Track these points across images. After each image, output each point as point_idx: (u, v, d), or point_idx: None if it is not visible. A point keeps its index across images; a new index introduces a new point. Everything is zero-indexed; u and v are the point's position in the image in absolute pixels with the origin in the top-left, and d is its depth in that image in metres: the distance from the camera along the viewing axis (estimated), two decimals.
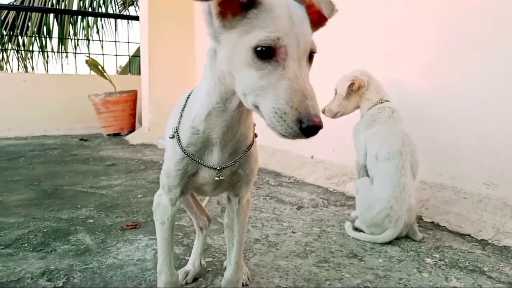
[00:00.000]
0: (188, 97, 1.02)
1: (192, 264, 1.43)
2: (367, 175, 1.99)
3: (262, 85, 0.73)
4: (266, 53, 0.73)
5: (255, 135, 1.05)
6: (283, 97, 0.71)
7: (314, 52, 0.80)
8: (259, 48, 0.73)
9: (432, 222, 2.10)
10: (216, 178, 0.99)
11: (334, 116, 2.17)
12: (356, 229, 1.96)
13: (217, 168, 0.98)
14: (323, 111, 2.17)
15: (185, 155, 0.98)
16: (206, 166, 0.98)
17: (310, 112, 0.70)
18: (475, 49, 2.09)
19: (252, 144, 1.03)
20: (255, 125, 1.06)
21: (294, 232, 1.95)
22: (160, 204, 1.09)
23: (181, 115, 1.00)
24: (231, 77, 0.80)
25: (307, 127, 0.69)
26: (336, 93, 2.13)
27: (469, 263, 1.61)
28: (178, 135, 0.99)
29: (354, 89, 2.05)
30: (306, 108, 0.70)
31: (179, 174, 1.00)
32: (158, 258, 1.13)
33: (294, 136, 0.72)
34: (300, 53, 0.75)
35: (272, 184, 2.99)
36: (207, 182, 1.03)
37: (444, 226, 2.03)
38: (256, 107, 0.76)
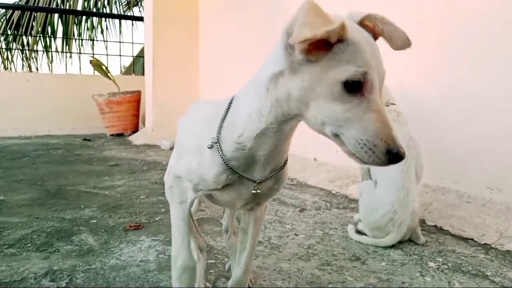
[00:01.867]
0: (228, 107, 0.97)
1: None
2: (371, 178, 1.99)
3: (348, 117, 0.76)
4: (354, 87, 0.75)
5: None
6: (371, 129, 0.75)
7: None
8: (350, 83, 0.75)
9: (435, 226, 2.09)
10: (253, 191, 0.97)
11: None
12: (358, 232, 1.96)
13: (257, 181, 0.96)
14: None
15: (226, 168, 0.94)
16: (246, 178, 0.96)
17: (397, 144, 0.75)
18: (480, 52, 2.09)
19: (287, 158, 1.03)
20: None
21: (296, 235, 1.95)
22: (180, 186, 1.04)
23: (221, 126, 0.95)
24: (302, 104, 0.80)
25: (395, 157, 0.74)
26: None
27: (472, 267, 1.60)
28: (219, 146, 0.94)
29: None
30: (394, 140, 0.75)
31: (215, 184, 0.97)
32: (173, 241, 1.07)
33: (380, 165, 0.76)
34: (380, 85, 0.79)
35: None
36: (241, 197, 1.01)
37: (447, 230, 2.03)
38: (336, 136, 0.79)
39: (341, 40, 0.75)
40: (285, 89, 0.82)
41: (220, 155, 0.94)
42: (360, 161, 0.78)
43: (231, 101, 0.97)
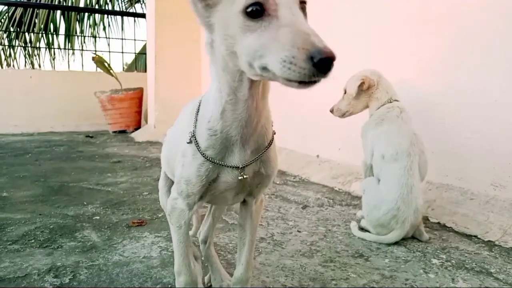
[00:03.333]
0: (200, 102, 0.99)
1: None
2: (373, 175, 1.98)
3: (262, 43, 0.71)
4: (256, 12, 0.72)
5: (274, 133, 1.03)
6: (286, 43, 0.68)
7: (305, 3, 0.79)
8: (249, 10, 0.72)
9: (439, 223, 2.09)
10: (240, 178, 0.96)
11: (343, 115, 2.16)
12: (361, 229, 1.95)
13: (240, 167, 0.95)
14: (332, 111, 2.17)
15: (205, 159, 0.94)
16: (228, 167, 0.95)
17: (318, 46, 0.66)
18: (484, 48, 2.08)
19: (273, 139, 1.01)
20: (272, 123, 1.03)
21: (299, 231, 1.95)
22: (176, 209, 1.05)
23: (196, 119, 0.97)
24: (233, 56, 0.79)
25: (320, 61, 0.65)
26: (345, 93, 2.11)
27: (475, 264, 1.60)
28: (196, 139, 0.96)
29: (364, 89, 2.03)
30: (313, 43, 0.66)
31: (199, 180, 0.96)
32: (175, 260, 1.11)
33: (310, 77, 0.67)
34: (290, 2, 0.74)
35: (278, 183, 2.99)
36: (229, 186, 0.99)
37: (450, 227, 2.02)
38: (265, 69, 0.73)
39: None
40: (218, 51, 0.82)
41: (197, 147, 0.94)
42: (292, 82, 0.69)
43: (203, 96, 0.99)
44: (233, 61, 0.80)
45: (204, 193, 1.00)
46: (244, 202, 1.13)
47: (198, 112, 0.98)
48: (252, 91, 0.87)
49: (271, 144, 0.99)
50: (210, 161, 0.95)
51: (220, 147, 0.94)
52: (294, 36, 0.68)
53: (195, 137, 0.96)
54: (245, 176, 0.96)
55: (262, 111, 0.93)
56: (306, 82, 0.68)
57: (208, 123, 0.93)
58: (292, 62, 0.66)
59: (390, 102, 2.01)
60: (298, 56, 0.66)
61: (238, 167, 0.95)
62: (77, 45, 9.71)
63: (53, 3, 9.92)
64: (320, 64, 0.65)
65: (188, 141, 0.97)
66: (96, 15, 9.96)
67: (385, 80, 2.07)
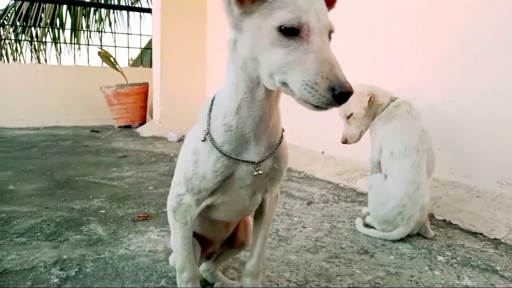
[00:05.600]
0: (212, 100, 1.01)
1: None
2: (381, 171, 1.98)
3: (289, 61, 0.77)
4: (290, 31, 0.77)
5: (283, 130, 1.05)
6: (312, 69, 0.74)
7: (332, 32, 0.83)
8: (284, 28, 0.77)
9: (444, 220, 2.08)
10: (255, 173, 0.97)
11: (359, 138, 2.09)
12: (366, 225, 1.95)
13: (256, 162, 0.96)
14: (345, 141, 2.09)
15: (221, 154, 0.95)
16: (244, 162, 0.96)
17: (340, 79, 0.73)
18: (491, 46, 2.06)
19: (282, 136, 1.03)
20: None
21: (304, 227, 1.95)
22: (182, 205, 1.05)
23: (209, 117, 0.99)
24: (255, 62, 0.83)
25: (340, 94, 0.72)
26: (349, 117, 2.04)
27: (481, 262, 1.59)
28: (211, 136, 0.97)
29: (370, 102, 2.00)
30: (336, 76, 0.73)
31: (214, 176, 0.97)
32: (178, 256, 1.10)
33: (327, 104, 0.74)
34: (322, 29, 0.79)
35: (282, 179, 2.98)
36: (244, 183, 1.00)
37: (456, 225, 2.01)
38: (285, 84, 0.79)
39: None
40: (240, 52, 0.85)
41: (213, 143, 0.96)
42: (308, 104, 0.77)
43: (215, 95, 1.02)
44: (254, 66, 0.84)
45: (216, 190, 1.01)
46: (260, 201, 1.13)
47: (211, 110, 0.99)
48: (268, 93, 0.91)
49: (281, 140, 1.02)
50: (227, 156, 0.96)
51: (235, 143, 0.96)
52: (320, 64, 0.74)
53: (210, 134, 0.97)
54: (260, 172, 0.98)
55: (274, 111, 0.97)
56: (320, 107, 0.76)
57: (223, 119, 0.95)
58: (314, 88, 0.73)
59: (393, 100, 2.00)
60: (321, 84, 0.73)
61: (254, 162, 0.97)
62: (83, 40, 9.74)
63: None
64: (339, 96, 0.73)
65: (202, 138, 0.97)
66: (102, 9, 9.96)
67: (375, 85, 2.05)
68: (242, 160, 0.96)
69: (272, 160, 1.01)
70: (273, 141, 1.00)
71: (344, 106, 1.98)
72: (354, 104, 1.97)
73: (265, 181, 1.04)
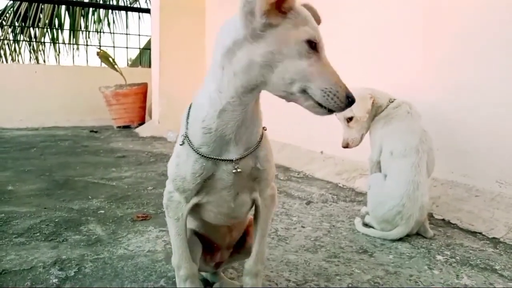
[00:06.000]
0: (189, 108, 1.04)
1: None
2: (380, 171, 1.98)
3: (312, 71, 0.88)
4: (313, 45, 0.89)
5: (264, 128, 1.07)
6: (332, 79, 0.89)
7: None
8: (310, 41, 0.88)
9: (443, 220, 2.08)
10: (233, 171, 0.98)
11: (360, 141, 2.06)
12: (366, 225, 1.95)
13: (234, 159, 0.98)
14: (347, 146, 2.05)
15: (199, 156, 0.98)
16: (223, 160, 0.98)
17: (349, 89, 0.90)
18: (490, 45, 2.06)
19: (263, 135, 1.05)
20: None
21: (303, 227, 1.95)
22: (173, 201, 1.07)
23: (187, 122, 1.02)
24: (267, 69, 0.88)
25: (352, 100, 0.90)
26: (349, 121, 2.01)
27: (480, 261, 1.59)
28: (188, 139, 0.99)
29: (372, 104, 1.99)
30: (346, 87, 0.90)
31: (194, 177, 0.99)
32: (174, 253, 1.11)
33: (342, 109, 0.91)
34: (324, 47, 0.92)
35: (281, 178, 2.99)
36: (225, 184, 1.01)
37: (455, 224, 2.02)
38: (304, 91, 0.89)
39: (291, 8, 0.87)
40: (245, 58, 0.89)
41: (190, 146, 0.99)
42: (323, 109, 0.90)
43: (191, 103, 1.05)
44: (261, 72, 0.89)
45: (200, 190, 1.03)
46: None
47: (188, 116, 1.03)
48: (256, 97, 0.97)
49: (261, 139, 1.04)
50: (205, 157, 0.98)
51: (214, 145, 0.98)
52: (336, 76, 0.90)
53: (188, 137, 1.00)
54: (238, 170, 0.99)
55: (254, 113, 1.00)
56: (332, 110, 0.90)
57: (202, 122, 0.97)
58: (336, 95, 0.88)
59: (392, 101, 2.00)
60: (341, 92, 0.89)
61: (232, 160, 0.99)
62: (81, 40, 9.73)
63: None
64: (351, 103, 0.90)
65: (180, 142, 1.01)
66: (101, 10, 9.96)
67: (371, 87, 2.04)
68: (220, 159, 0.99)
69: (254, 160, 1.03)
70: (253, 141, 1.02)
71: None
72: (358, 108, 1.95)
73: (248, 181, 1.05)
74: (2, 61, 9.82)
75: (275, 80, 0.89)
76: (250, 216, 1.26)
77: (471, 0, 2.14)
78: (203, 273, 1.37)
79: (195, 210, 1.09)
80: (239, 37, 0.88)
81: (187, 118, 1.03)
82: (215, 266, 1.30)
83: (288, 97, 0.92)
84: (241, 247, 1.32)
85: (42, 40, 9.85)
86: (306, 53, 0.87)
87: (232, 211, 1.09)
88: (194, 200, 1.05)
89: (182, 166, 1.01)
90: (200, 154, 0.98)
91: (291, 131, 3.65)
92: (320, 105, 0.89)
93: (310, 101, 0.90)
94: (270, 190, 1.15)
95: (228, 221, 1.15)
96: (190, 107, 1.04)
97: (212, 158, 0.98)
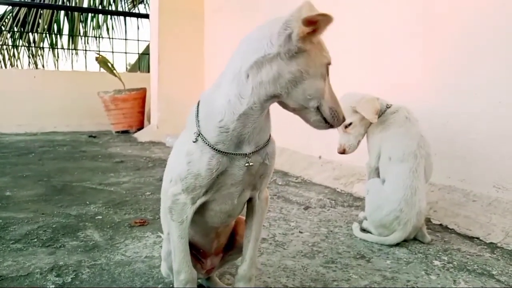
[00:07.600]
0: (198, 105, 1.07)
1: None
2: (378, 176, 1.98)
3: (325, 91, 1.01)
4: (328, 68, 1.01)
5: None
6: (335, 100, 1.04)
7: None
8: (329, 64, 1.01)
9: (441, 225, 2.08)
10: (246, 165, 1.04)
11: (356, 147, 2.06)
12: (363, 230, 1.95)
13: (248, 153, 1.04)
14: (343, 152, 2.05)
15: (215, 152, 1.01)
16: (237, 154, 1.03)
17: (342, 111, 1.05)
18: (487, 50, 2.07)
19: (270, 136, 1.12)
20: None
21: (301, 232, 1.95)
22: (178, 204, 1.07)
23: (198, 120, 1.05)
24: (292, 84, 0.97)
25: (344, 119, 1.06)
26: (347, 127, 2.01)
27: (477, 266, 1.59)
28: (203, 136, 1.02)
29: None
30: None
31: (209, 173, 1.02)
32: (175, 258, 1.11)
33: (339, 125, 1.06)
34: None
35: (280, 183, 2.99)
36: (235, 180, 1.05)
37: (452, 229, 2.02)
38: (317, 108, 1.01)
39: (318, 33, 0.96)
40: (275, 72, 0.96)
41: (206, 143, 1.02)
42: (327, 125, 1.03)
43: (199, 101, 1.08)
44: (287, 85, 0.97)
45: (210, 188, 1.05)
46: (249, 200, 1.17)
47: (197, 115, 1.06)
48: (271, 104, 1.05)
49: (270, 138, 1.11)
50: (222, 152, 1.01)
51: (229, 143, 1.01)
52: (335, 97, 1.04)
53: (201, 134, 1.02)
54: (251, 164, 1.04)
55: (267, 116, 1.08)
56: (332, 126, 1.04)
57: (219, 122, 1.00)
58: (337, 113, 1.03)
59: (389, 107, 1.99)
60: (339, 111, 1.04)
61: (246, 154, 1.04)
62: (80, 45, 9.76)
63: (57, 3, 9.96)
64: (343, 120, 1.06)
65: (194, 140, 1.03)
66: (100, 15, 9.99)
67: (368, 93, 2.03)
68: (235, 154, 1.03)
69: (263, 155, 1.08)
70: (263, 139, 1.08)
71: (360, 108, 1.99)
72: (366, 109, 1.94)
73: (255, 177, 1.10)
74: (1, 66, 9.83)
75: (296, 94, 0.98)
76: (240, 216, 1.27)
77: (471, 4, 2.15)
78: (199, 279, 1.37)
79: (194, 213, 1.10)
80: (272, 52, 0.95)
81: (197, 116, 1.06)
82: (207, 273, 1.31)
83: (300, 109, 1.01)
84: (231, 249, 1.33)
85: (41, 45, 9.87)
86: (325, 75, 1.00)
87: (233, 208, 1.12)
88: (201, 201, 1.07)
89: (195, 163, 1.03)
90: (216, 150, 1.01)
91: (289, 136, 3.65)
92: (324, 120, 1.01)
93: (319, 116, 1.01)
94: (265, 192, 1.19)
95: (225, 219, 1.17)
96: (198, 105, 1.08)
97: (228, 153, 1.02)
